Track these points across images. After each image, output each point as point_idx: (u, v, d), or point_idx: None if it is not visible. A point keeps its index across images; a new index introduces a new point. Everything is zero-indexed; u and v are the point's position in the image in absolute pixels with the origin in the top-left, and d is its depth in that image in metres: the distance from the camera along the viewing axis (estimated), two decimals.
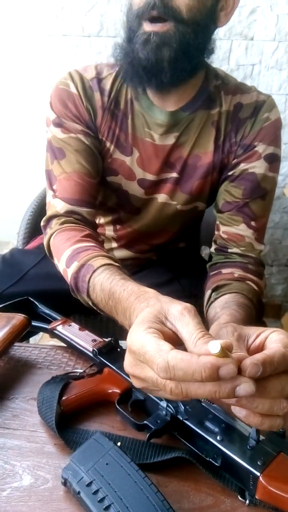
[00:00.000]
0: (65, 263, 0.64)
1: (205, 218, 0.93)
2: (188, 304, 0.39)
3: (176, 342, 0.37)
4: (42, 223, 0.74)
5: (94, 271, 0.58)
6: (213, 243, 0.78)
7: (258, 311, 0.64)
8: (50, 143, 0.74)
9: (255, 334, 0.39)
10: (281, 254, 1.81)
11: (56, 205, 0.72)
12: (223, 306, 0.58)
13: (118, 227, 0.87)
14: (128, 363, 0.38)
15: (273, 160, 0.73)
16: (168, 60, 0.62)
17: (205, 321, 0.64)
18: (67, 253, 0.64)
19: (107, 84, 0.73)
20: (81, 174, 0.72)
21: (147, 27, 0.61)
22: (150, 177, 0.77)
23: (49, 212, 0.74)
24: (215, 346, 0.32)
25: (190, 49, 0.63)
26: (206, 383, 0.32)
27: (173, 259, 0.93)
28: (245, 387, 0.31)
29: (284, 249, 1.80)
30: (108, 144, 0.75)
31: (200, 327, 0.36)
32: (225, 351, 0.32)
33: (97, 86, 0.73)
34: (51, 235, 0.70)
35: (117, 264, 0.61)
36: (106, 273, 0.57)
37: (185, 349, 0.35)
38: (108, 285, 0.55)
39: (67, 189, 0.72)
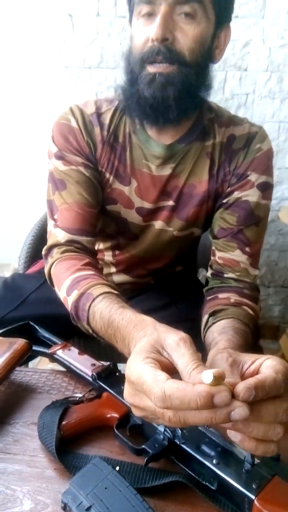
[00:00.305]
0: (65, 291, 0.66)
1: (202, 241, 0.96)
2: (183, 335, 0.41)
3: (172, 370, 0.39)
4: (43, 252, 0.77)
5: (94, 299, 0.60)
6: (209, 268, 0.80)
7: (254, 335, 0.66)
8: (52, 174, 0.77)
9: (250, 360, 0.40)
10: (277, 276, 1.83)
11: (57, 235, 0.75)
12: (220, 331, 0.60)
13: (116, 252, 0.90)
14: (128, 393, 0.40)
15: (266, 188, 0.77)
16: (173, 98, 0.66)
17: (203, 346, 0.66)
18: (68, 282, 0.67)
19: (106, 119, 0.77)
20: (82, 204, 0.75)
21: (151, 69, 0.65)
22: (147, 205, 0.80)
23: (50, 241, 0.76)
24: (207, 376, 0.33)
25: (192, 88, 0.68)
26: (202, 410, 0.33)
27: (170, 283, 0.95)
28: (239, 411, 0.33)
29: (280, 271, 1.82)
30: (107, 175, 0.78)
31: (195, 358, 0.38)
32: (218, 380, 0.34)
33: (97, 120, 0.76)
34: (52, 264, 0.73)
35: (116, 291, 0.63)
36: (105, 301, 0.59)
37: (181, 378, 0.37)
38: (107, 313, 0.57)
39: (68, 219, 0.75)
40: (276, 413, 0.35)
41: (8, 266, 2.24)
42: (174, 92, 0.65)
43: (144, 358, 0.38)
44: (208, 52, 0.69)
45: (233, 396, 0.34)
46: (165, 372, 0.37)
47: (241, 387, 0.34)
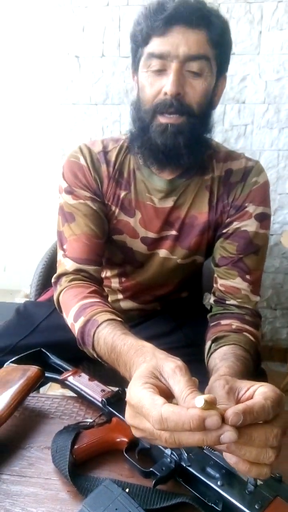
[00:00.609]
0: (73, 318, 0.71)
1: (207, 267, 0.98)
2: (179, 362, 0.44)
3: (169, 395, 0.42)
4: (53, 280, 0.82)
5: (98, 325, 0.65)
6: (212, 295, 0.83)
7: (255, 361, 0.69)
8: (62, 208, 0.83)
9: (245, 387, 0.43)
10: (283, 298, 1.85)
11: (65, 264, 0.80)
12: (222, 358, 0.62)
13: (123, 279, 0.94)
14: (128, 415, 0.43)
15: (263, 219, 0.80)
16: (184, 146, 0.72)
17: (205, 370, 0.68)
18: (75, 309, 0.71)
19: (112, 156, 0.83)
20: (89, 236, 0.80)
21: (163, 119, 0.71)
22: (151, 235, 0.85)
23: (59, 270, 0.81)
24: (199, 401, 0.37)
25: (200, 135, 0.74)
26: (195, 432, 0.36)
27: (176, 309, 0.98)
28: (228, 435, 0.36)
29: (286, 293, 1.84)
30: (113, 207, 0.84)
31: (190, 385, 0.41)
32: (210, 404, 0.37)
33: (104, 158, 0.82)
34: (61, 291, 0.77)
35: (119, 318, 0.67)
36: (109, 328, 0.63)
37: (177, 402, 0.41)
38: (110, 339, 0.61)
39: (76, 249, 0.80)
40: (267, 438, 0.38)
41: (19, 292, 2.29)
42: (184, 140, 0.71)
43: (144, 383, 0.42)
44: (210, 101, 0.75)
45: (225, 420, 0.37)
46: (162, 396, 0.40)
47: (230, 412, 0.37)
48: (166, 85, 0.69)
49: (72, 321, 0.71)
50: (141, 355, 0.51)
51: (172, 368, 0.43)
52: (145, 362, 0.47)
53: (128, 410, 0.43)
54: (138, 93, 0.76)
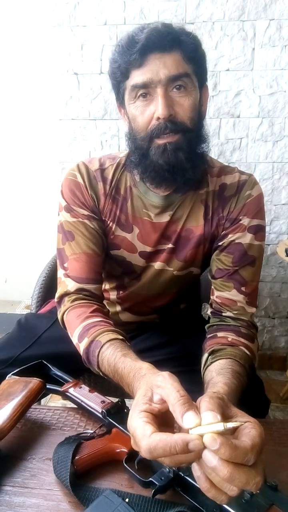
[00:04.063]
0: (77, 338, 0.74)
1: (207, 278, 1.00)
2: (165, 374, 0.49)
3: (162, 414, 0.46)
4: (56, 299, 0.84)
5: (102, 346, 0.68)
6: (209, 307, 0.85)
7: (249, 375, 0.70)
8: (62, 226, 0.85)
9: (237, 416, 0.44)
10: (281, 307, 1.86)
11: (67, 283, 0.82)
12: (218, 372, 0.64)
13: (121, 292, 0.95)
14: (132, 442, 0.46)
15: (258, 231, 0.82)
16: (186, 160, 0.74)
17: (202, 381, 0.70)
18: (79, 329, 0.74)
19: (109, 174, 0.86)
20: (89, 254, 0.82)
21: (160, 141, 0.74)
22: (148, 249, 0.87)
23: (61, 290, 0.83)
24: (188, 423, 0.41)
25: (197, 147, 0.77)
26: (181, 454, 0.40)
27: (175, 320, 1.00)
28: (195, 443, 0.39)
29: (284, 302, 1.86)
30: (110, 223, 0.86)
31: (177, 395, 0.44)
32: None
33: (100, 176, 0.85)
34: (64, 312, 0.80)
35: (121, 337, 0.70)
36: (111, 349, 0.66)
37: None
38: (112, 361, 0.64)
39: (77, 269, 0.82)
40: (247, 482, 0.39)
41: (19, 303, 2.31)
42: (185, 155, 0.74)
43: (139, 413, 0.45)
44: (199, 113, 0.78)
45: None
46: (158, 419, 0.45)
47: (208, 436, 0.39)
48: (157, 110, 0.71)
49: (77, 341, 0.74)
50: (138, 379, 0.55)
51: (160, 380, 0.47)
52: (140, 387, 0.51)
53: (131, 437, 0.47)
54: (130, 124, 0.79)
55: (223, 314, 0.80)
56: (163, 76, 0.70)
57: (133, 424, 0.45)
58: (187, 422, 0.41)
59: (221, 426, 0.40)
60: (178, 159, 0.74)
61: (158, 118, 0.72)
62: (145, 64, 0.71)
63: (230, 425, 0.40)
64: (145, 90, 0.73)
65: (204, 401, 0.43)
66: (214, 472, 0.39)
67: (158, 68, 0.70)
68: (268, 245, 1.75)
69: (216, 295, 0.82)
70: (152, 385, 0.49)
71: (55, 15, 1.61)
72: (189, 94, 0.73)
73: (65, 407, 0.70)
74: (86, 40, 1.62)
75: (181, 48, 0.72)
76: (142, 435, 0.42)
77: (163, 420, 0.46)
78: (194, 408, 0.42)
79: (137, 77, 0.72)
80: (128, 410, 0.62)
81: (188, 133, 0.74)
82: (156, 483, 0.50)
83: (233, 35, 1.55)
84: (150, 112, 0.73)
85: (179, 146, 0.74)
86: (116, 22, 1.59)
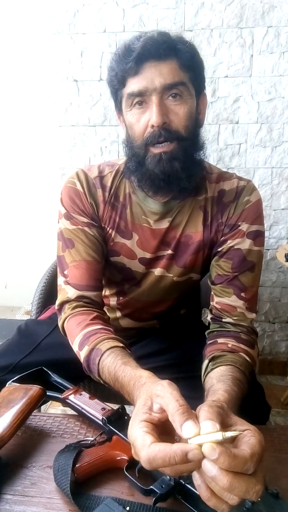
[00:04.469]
0: (78, 346, 0.74)
1: (207, 284, 1.00)
2: (164, 383, 0.48)
3: (162, 423, 0.46)
4: (56, 307, 0.84)
5: (102, 354, 0.68)
6: (209, 312, 0.85)
7: (249, 381, 0.70)
8: (62, 233, 0.85)
9: (237, 425, 0.44)
10: (281, 312, 1.86)
11: (67, 291, 0.82)
12: (219, 379, 0.64)
13: (121, 298, 0.95)
14: (133, 452, 0.46)
15: (257, 236, 0.83)
16: (181, 169, 0.75)
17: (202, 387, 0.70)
18: (79, 337, 0.74)
19: (108, 181, 0.86)
20: (89, 262, 0.83)
21: (155, 150, 0.74)
22: (148, 255, 0.87)
23: (61, 297, 0.83)
24: (187, 432, 0.41)
25: (193, 156, 0.78)
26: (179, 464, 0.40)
27: (175, 326, 1.00)
28: (194, 453, 0.39)
29: (284, 307, 1.86)
30: (110, 230, 0.86)
31: (176, 404, 0.44)
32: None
33: (99, 183, 0.85)
34: (65, 319, 0.80)
35: (121, 344, 0.70)
36: (111, 357, 0.66)
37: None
38: (113, 369, 0.64)
39: (77, 276, 0.82)
40: (247, 491, 0.39)
41: (19, 309, 2.31)
42: (180, 164, 0.75)
43: (139, 423, 0.45)
44: (196, 121, 0.79)
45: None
46: (158, 427, 0.45)
47: (206, 446, 0.39)
48: (151, 118, 0.72)
49: (78, 349, 0.74)
50: (138, 388, 0.55)
51: (160, 389, 0.47)
52: (140, 397, 0.51)
53: (132, 447, 0.47)
54: (127, 131, 0.79)
55: (223, 320, 0.80)
56: (158, 84, 0.71)
57: (133, 434, 0.45)
58: (186, 431, 0.41)
59: (220, 436, 0.40)
60: (174, 169, 0.74)
61: (153, 126, 0.72)
62: (141, 73, 0.72)
63: (229, 434, 0.40)
64: (140, 98, 0.73)
65: (203, 410, 0.43)
66: (214, 482, 0.39)
67: (153, 76, 0.71)
68: (268, 250, 1.76)
69: (216, 301, 0.82)
70: (151, 394, 0.49)
71: (55, 22, 1.62)
72: (185, 102, 0.74)
73: (65, 414, 0.70)
74: (85, 47, 1.63)
75: (177, 57, 0.72)
76: (142, 445, 0.42)
77: (164, 429, 0.46)
78: (193, 417, 0.42)
79: (133, 85, 0.73)
80: (129, 417, 0.61)
81: (183, 142, 0.75)
82: (157, 491, 0.50)
83: (231, 42, 1.57)
84: (145, 120, 0.74)
85: (174, 155, 0.74)
86: (115, 30, 1.60)
